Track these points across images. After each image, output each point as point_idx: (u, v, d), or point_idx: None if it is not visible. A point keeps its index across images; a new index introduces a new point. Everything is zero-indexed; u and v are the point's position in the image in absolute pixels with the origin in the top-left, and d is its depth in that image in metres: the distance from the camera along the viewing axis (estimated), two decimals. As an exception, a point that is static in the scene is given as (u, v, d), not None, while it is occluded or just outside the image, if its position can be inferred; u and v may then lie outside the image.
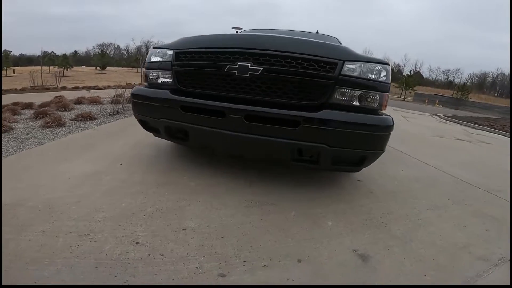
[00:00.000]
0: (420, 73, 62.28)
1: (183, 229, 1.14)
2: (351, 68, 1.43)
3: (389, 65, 1.48)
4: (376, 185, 1.90)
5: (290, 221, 1.30)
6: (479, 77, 61.79)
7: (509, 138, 5.70)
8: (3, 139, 2.33)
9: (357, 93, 1.43)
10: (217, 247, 1.05)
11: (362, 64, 1.44)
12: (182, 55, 1.57)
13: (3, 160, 1.86)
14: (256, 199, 1.48)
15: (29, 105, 3.98)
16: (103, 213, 1.24)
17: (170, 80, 1.61)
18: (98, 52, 42.27)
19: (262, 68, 1.36)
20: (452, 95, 28.49)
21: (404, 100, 26.39)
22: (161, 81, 1.65)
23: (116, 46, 57.11)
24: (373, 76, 1.45)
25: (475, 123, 7.94)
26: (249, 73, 1.36)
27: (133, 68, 39.82)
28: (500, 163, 3.18)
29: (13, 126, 2.71)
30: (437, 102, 24.65)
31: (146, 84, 1.75)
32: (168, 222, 1.20)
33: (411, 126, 5.84)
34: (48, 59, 30.48)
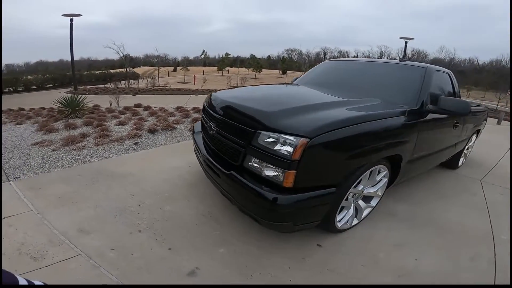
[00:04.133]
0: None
1: (161, 209, 2.29)
2: (261, 138, 1.56)
3: (307, 137, 1.43)
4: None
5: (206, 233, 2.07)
6: None
7: None
8: (167, 133, 4.52)
9: (261, 164, 1.56)
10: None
11: (272, 134, 1.52)
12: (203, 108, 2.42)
13: (156, 147, 3.85)
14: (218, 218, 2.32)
15: (199, 110, 6.63)
16: (155, 189, 2.64)
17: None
18: (282, 57, 51.42)
19: (215, 130, 1.97)
20: None
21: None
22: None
23: (299, 51, 65.98)
24: (280, 150, 1.47)
25: None
26: (211, 132, 2.05)
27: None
28: None
29: (176, 127, 4.99)
30: None
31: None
32: (187, 207, 2.38)
33: None
34: (247, 63, 41.34)
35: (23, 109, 7.37)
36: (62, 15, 13.10)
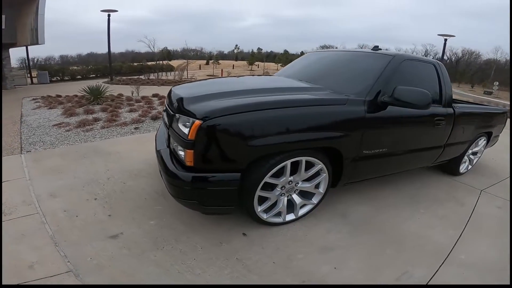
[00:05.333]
0: None
1: (124, 184, 2.55)
2: (176, 120, 1.70)
3: (200, 119, 1.51)
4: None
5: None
6: None
7: None
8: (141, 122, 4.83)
9: (176, 144, 1.70)
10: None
11: (181, 117, 1.66)
12: None
13: (153, 132, 4.18)
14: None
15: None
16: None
17: None
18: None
19: (164, 115, 2.24)
20: None
21: None
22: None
23: (335, 48, 63.39)
24: (182, 131, 1.61)
25: None
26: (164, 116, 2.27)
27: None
28: None
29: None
30: None
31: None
32: (147, 183, 2.65)
33: None
34: (277, 58, 41.07)
35: (60, 96, 8.30)
36: (101, 10, 14.38)
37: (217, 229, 1.90)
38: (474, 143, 3.22)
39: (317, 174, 1.97)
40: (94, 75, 20.04)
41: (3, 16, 10.11)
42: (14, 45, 11.66)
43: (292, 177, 1.86)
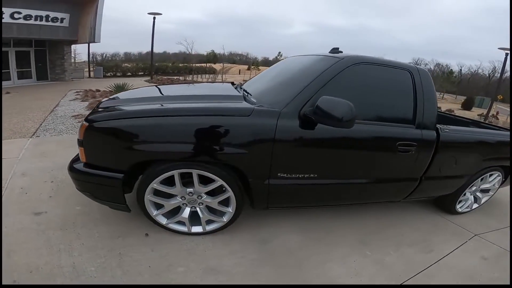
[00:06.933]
0: None
1: None
2: None
3: (86, 122, 1.71)
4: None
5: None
6: None
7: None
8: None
9: None
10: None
11: None
12: None
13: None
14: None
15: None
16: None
17: None
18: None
19: None
20: None
21: None
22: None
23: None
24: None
25: None
26: None
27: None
28: None
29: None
30: None
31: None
32: None
33: None
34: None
35: (98, 90, 9.50)
36: (148, 13, 16.01)
37: (127, 224, 2.04)
38: (480, 179, 2.59)
39: (222, 190, 1.85)
40: (142, 73, 22.16)
41: (67, 15, 11.95)
42: (75, 42, 13.63)
43: (192, 189, 1.84)
